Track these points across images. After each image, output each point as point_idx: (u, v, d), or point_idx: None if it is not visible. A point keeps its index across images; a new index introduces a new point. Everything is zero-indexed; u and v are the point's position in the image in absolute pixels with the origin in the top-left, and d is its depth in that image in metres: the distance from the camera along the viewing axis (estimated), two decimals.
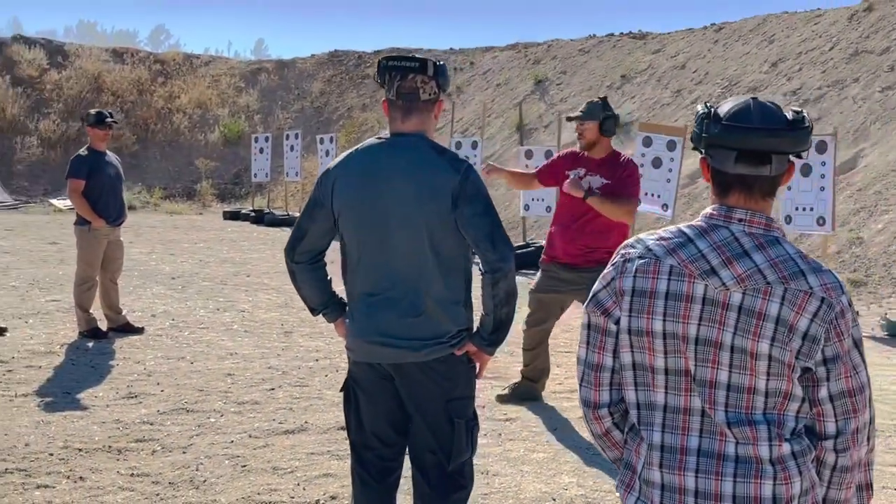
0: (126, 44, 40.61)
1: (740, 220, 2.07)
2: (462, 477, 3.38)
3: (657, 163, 11.75)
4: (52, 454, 5.06)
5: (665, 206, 11.72)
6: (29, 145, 23.74)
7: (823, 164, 9.87)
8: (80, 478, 4.74)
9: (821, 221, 9.94)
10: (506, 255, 3.19)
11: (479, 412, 5.95)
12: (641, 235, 2.18)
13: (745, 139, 2.01)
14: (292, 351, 7.74)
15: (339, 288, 3.44)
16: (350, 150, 3.38)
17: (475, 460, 5.05)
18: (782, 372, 2.01)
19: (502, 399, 6.23)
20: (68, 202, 20.87)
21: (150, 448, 5.23)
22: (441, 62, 3.33)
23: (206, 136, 25.94)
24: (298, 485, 4.72)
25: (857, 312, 9.85)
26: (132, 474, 4.81)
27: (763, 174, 2.05)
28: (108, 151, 8.16)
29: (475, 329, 3.34)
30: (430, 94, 3.26)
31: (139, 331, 8.24)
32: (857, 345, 2.05)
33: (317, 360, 7.36)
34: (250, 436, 5.49)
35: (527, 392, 6.23)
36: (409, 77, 3.23)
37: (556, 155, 6.42)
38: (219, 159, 25.42)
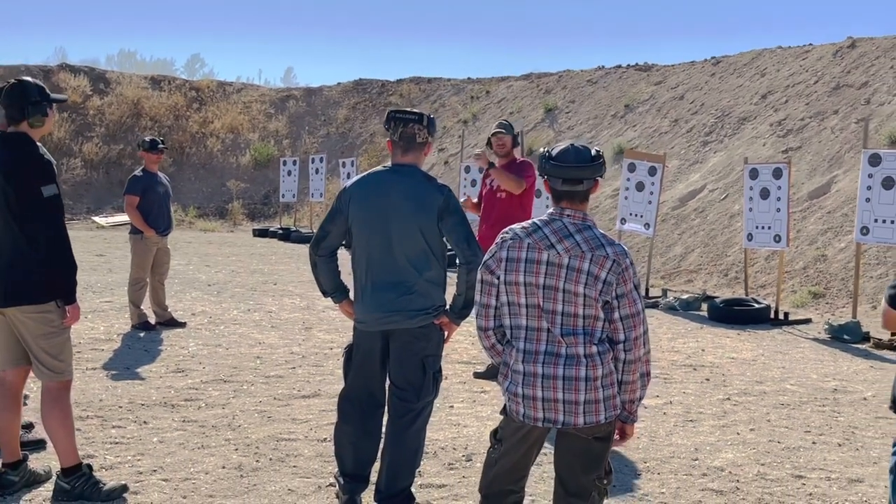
0: (164, 72, 42.53)
1: (568, 216, 3.48)
2: (423, 414, 4.70)
3: (640, 186, 13.14)
4: (121, 407, 6.52)
5: (647, 226, 13.08)
6: (73, 167, 25.45)
7: (779, 188, 11.21)
8: (144, 422, 6.19)
9: (777, 239, 11.27)
10: (477, 252, 4.57)
11: (460, 386, 7.38)
12: (513, 226, 3.58)
13: (565, 171, 3.43)
14: (311, 342, 9.19)
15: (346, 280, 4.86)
16: (363, 174, 4.80)
17: (450, 417, 6.47)
18: (592, 304, 3.40)
19: (479, 376, 7.64)
20: (110, 219, 22.56)
21: (197, 405, 6.67)
22: (433, 116, 4.76)
23: (238, 159, 27.58)
24: (311, 429, 6.14)
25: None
26: (184, 421, 6.26)
27: (578, 190, 3.46)
28: (158, 172, 9.67)
29: (448, 306, 4.71)
30: (422, 139, 4.69)
31: (182, 325, 9.71)
32: (636, 287, 3.44)
33: (331, 349, 8.78)
34: (275, 398, 6.92)
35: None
36: (410, 125, 4.66)
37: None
38: (249, 181, 27.03)
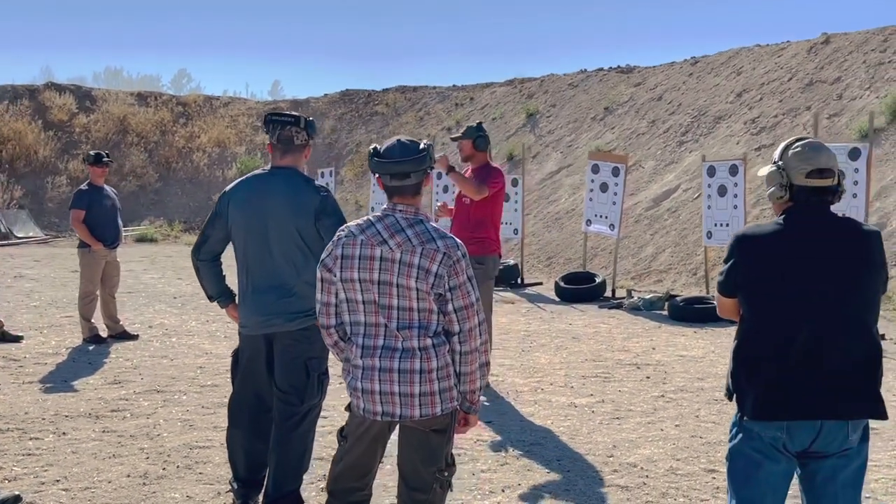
0: (150, 88, 42.74)
1: (400, 211, 3.47)
2: (308, 417, 4.66)
3: (604, 187, 13.11)
4: (44, 419, 6.52)
5: (612, 226, 13.05)
6: (59, 184, 25.53)
7: (736, 185, 11.18)
8: (63, 433, 6.18)
9: None
10: None
11: None
12: (349, 223, 3.57)
13: (391, 166, 3.42)
14: None
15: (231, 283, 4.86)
16: (242, 178, 4.82)
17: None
18: (425, 297, 3.39)
19: None
20: None
21: (122, 416, 6.67)
22: (311, 118, 4.75)
23: (224, 173, 27.62)
24: None
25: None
26: (104, 431, 6.25)
27: (408, 184, 3.45)
28: (105, 186, 9.69)
29: None
30: (301, 141, 4.68)
31: (134, 337, 9.72)
32: (470, 279, 3.43)
33: None
34: (203, 407, 6.92)
35: None
36: (287, 128, 4.65)
37: None
38: None
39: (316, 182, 4.72)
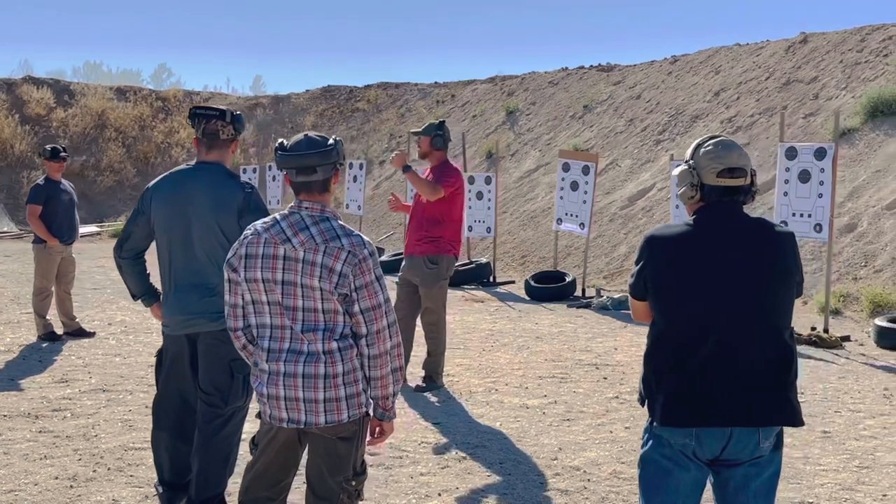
0: (130, 82, 42.44)
1: (306, 208, 3.34)
2: (233, 419, 4.52)
3: (574, 186, 13.01)
4: None
5: (582, 225, 12.95)
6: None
7: None
8: None
9: None
10: None
11: None
12: (255, 222, 3.44)
13: (296, 160, 3.30)
14: None
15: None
16: (165, 174, 4.69)
17: None
18: (329, 297, 3.26)
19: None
20: None
21: (62, 416, 6.53)
22: (238, 112, 4.63)
23: None
24: None
25: None
26: (40, 432, 6.11)
27: (314, 180, 3.32)
28: (63, 180, 9.54)
29: None
30: (227, 135, 4.56)
31: (91, 335, 9.56)
32: (378, 279, 3.31)
33: None
34: (147, 406, 6.72)
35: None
36: (212, 122, 4.53)
37: None
38: None
39: (241, 178, 4.61)
